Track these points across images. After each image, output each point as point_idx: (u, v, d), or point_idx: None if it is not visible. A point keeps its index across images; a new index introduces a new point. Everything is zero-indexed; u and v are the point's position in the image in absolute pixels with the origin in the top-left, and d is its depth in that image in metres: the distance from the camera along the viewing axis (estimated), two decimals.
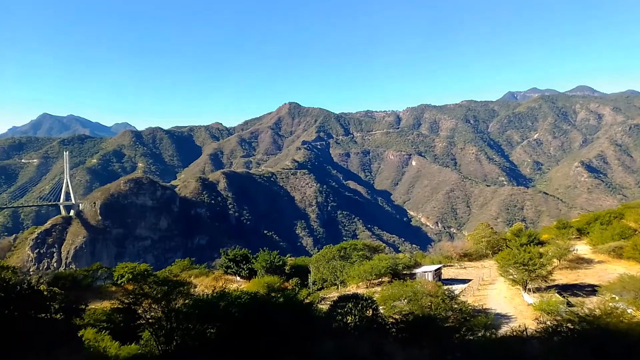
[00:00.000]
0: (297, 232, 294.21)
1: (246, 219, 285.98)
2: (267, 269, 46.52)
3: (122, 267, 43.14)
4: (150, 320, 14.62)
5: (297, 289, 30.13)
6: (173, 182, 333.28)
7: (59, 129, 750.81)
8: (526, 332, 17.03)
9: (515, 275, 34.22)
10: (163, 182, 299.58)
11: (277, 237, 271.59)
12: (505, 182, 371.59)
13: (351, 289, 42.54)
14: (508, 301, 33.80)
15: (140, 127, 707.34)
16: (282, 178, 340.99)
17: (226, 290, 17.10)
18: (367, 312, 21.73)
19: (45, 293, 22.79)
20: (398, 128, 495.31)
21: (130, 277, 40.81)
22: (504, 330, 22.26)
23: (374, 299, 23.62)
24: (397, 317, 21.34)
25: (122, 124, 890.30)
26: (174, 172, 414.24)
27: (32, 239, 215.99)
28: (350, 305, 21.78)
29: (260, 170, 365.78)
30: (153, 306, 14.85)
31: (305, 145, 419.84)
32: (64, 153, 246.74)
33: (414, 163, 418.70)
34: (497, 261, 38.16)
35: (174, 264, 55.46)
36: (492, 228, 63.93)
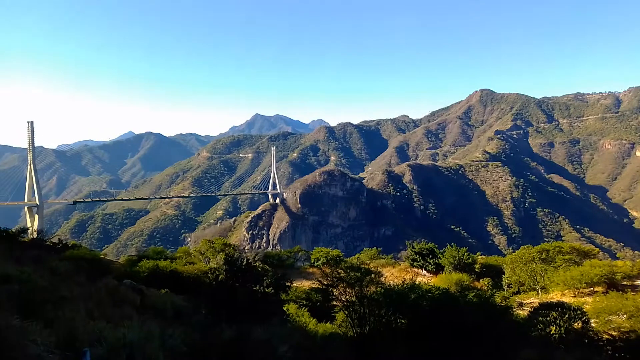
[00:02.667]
0: (488, 229, 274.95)
1: (432, 213, 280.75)
2: (455, 265, 44.61)
3: (318, 251, 47.19)
4: (345, 303, 15.53)
5: (492, 290, 28.00)
6: (361, 174, 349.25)
7: (267, 127, 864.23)
8: None
9: None
10: (352, 174, 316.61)
11: (465, 233, 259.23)
12: None
13: (554, 296, 37.52)
14: None
15: (333, 122, 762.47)
16: (472, 171, 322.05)
17: (416, 283, 16.98)
18: (575, 324, 18.88)
19: (259, 269, 26.40)
20: (617, 112, 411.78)
21: (325, 261, 44.45)
22: None
23: (584, 310, 20.33)
24: (613, 333, 18.07)
25: (318, 121, 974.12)
26: (362, 165, 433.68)
27: (247, 222, 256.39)
28: (555, 315, 19.21)
29: (447, 162, 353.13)
30: (347, 290, 15.74)
31: (498, 135, 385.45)
32: (272, 148, 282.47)
33: (638, 154, 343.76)
34: None
35: (362, 253, 57.83)
36: None
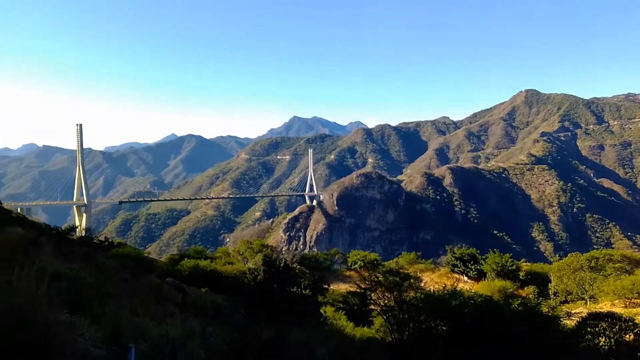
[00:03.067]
0: (533, 235, 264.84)
1: (473, 217, 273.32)
2: (498, 272, 43.19)
3: (355, 255, 46.99)
4: (384, 308, 15.30)
5: (538, 298, 26.92)
6: (399, 177, 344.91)
7: (305, 129, 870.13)
8: None
9: None
10: (390, 177, 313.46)
11: (508, 239, 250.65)
12: None
13: (604, 306, 35.55)
14: None
15: (371, 124, 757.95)
16: (516, 174, 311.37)
17: (457, 289, 16.49)
18: (626, 336, 17.86)
19: (297, 271, 26.55)
20: None
21: (362, 264, 44.17)
22: None
23: (636, 321, 19.15)
24: None
25: (356, 123, 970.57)
26: (400, 167, 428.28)
27: (284, 224, 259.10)
28: (604, 326, 18.23)
29: (489, 165, 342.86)
30: (386, 294, 15.49)
31: (544, 137, 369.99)
32: (309, 150, 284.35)
33: None
34: None
35: (401, 257, 57.12)
36: None
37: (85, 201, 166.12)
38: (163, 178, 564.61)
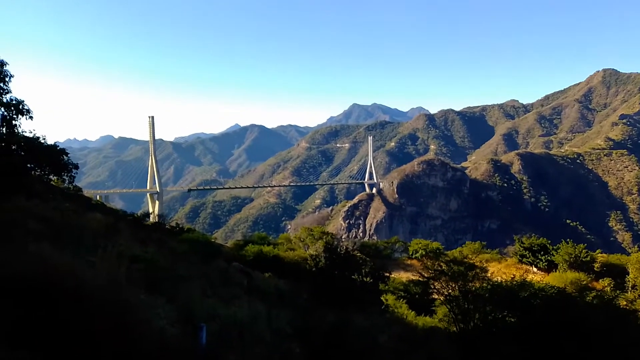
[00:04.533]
0: (609, 224, 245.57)
1: (544, 205, 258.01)
2: (571, 263, 40.56)
3: (417, 243, 46.13)
4: (448, 298, 14.94)
5: (615, 291, 25.05)
6: (463, 164, 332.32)
7: (364, 117, 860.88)
8: None
9: None
10: (453, 164, 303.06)
11: (582, 229, 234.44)
12: None
13: None
14: None
15: (433, 110, 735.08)
16: (592, 160, 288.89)
17: (527, 280, 15.71)
18: None
19: (358, 258, 26.61)
20: None
21: (424, 253, 43.32)
22: None
23: None
24: None
25: (417, 109, 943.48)
26: (465, 154, 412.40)
27: (344, 211, 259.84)
28: None
29: (563, 150, 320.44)
30: (450, 284, 15.11)
31: (624, 120, 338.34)
32: (368, 138, 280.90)
33: None
34: None
35: (465, 246, 55.28)
36: None
37: (158, 189, 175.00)
38: (228, 167, 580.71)
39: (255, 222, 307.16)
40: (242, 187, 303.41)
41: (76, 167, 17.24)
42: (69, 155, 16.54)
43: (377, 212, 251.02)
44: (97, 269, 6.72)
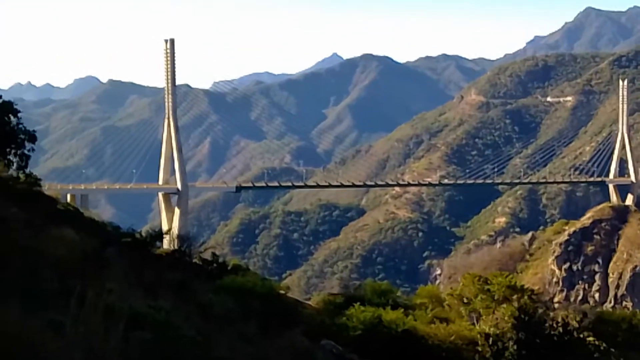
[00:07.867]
0: None
1: None
2: None
3: None
4: None
5: None
6: None
7: (609, 37, 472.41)
8: None
9: None
10: None
11: None
12: None
13: None
14: None
15: None
16: None
17: None
18: None
19: (588, 345, 19.82)
20: None
21: None
22: None
23: None
24: None
25: None
26: None
27: (559, 244, 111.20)
28: None
29: None
30: None
31: None
32: (620, 84, 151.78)
33: None
34: None
35: None
36: None
37: (179, 185, 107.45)
38: (314, 142, 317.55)
39: (367, 259, 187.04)
40: (342, 186, 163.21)
41: (32, 138, 11.36)
42: (19, 115, 10.55)
43: (632, 246, 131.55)
44: (67, 338, 4.87)
